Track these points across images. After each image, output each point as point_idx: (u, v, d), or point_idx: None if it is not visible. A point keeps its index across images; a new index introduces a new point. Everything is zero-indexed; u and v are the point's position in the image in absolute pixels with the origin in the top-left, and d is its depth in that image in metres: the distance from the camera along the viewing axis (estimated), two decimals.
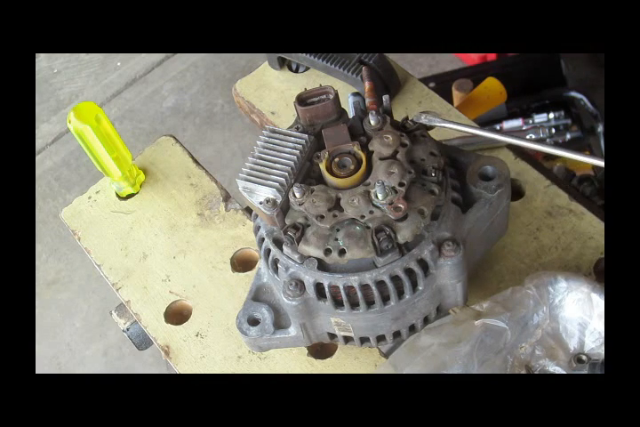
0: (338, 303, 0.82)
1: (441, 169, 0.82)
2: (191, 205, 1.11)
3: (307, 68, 1.21)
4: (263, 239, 0.85)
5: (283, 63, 1.22)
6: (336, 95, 0.86)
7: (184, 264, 1.06)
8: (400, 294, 0.81)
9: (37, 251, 2.41)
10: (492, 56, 2.19)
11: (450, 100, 1.43)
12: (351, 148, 0.82)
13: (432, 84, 1.85)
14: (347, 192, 0.80)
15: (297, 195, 0.79)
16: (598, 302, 0.86)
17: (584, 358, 0.86)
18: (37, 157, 2.63)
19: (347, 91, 1.09)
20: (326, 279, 0.80)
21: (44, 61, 2.86)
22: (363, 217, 0.78)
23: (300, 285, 0.81)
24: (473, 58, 2.32)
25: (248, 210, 1.08)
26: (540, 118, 1.84)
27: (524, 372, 0.86)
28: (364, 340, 0.89)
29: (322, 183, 0.82)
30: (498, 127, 1.81)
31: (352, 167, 0.81)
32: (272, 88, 1.21)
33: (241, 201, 1.04)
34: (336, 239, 0.78)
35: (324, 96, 0.86)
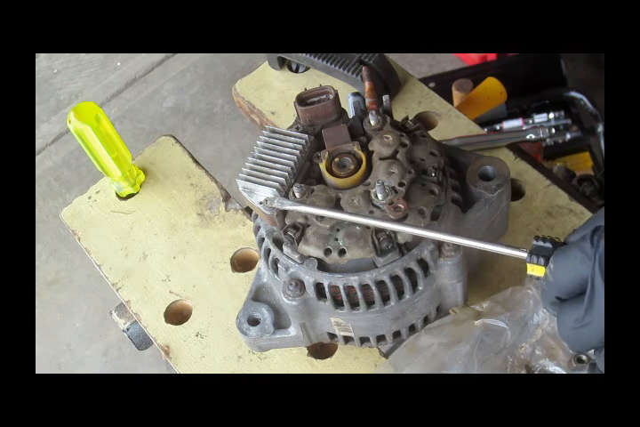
0: (338, 303, 0.82)
1: (441, 169, 0.82)
2: (191, 205, 1.11)
3: (307, 68, 1.21)
4: (263, 239, 0.85)
5: (283, 63, 1.22)
6: (336, 95, 0.86)
7: (184, 264, 1.06)
8: (400, 294, 0.82)
9: (37, 251, 2.41)
10: (491, 56, 2.19)
11: (450, 100, 1.43)
12: (351, 148, 0.82)
13: (432, 84, 1.85)
14: (347, 192, 0.80)
15: (297, 195, 0.79)
16: None
17: (584, 358, 0.86)
18: (37, 157, 2.63)
19: (347, 91, 1.09)
20: (326, 279, 0.80)
21: (43, 61, 2.86)
22: None
23: (300, 285, 0.81)
24: (473, 58, 2.32)
25: (248, 210, 1.08)
26: (539, 118, 1.84)
27: (524, 372, 0.86)
28: (364, 340, 0.89)
29: (322, 183, 0.82)
30: (498, 127, 1.82)
31: (352, 167, 0.81)
32: (272, 88, 1.21)
33: (241, 201, 1.04)
34: (336, 239, 0.78)
35: (324, 96, 0.86)
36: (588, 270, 0.62)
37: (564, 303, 0.66)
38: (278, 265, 0.84)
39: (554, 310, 0.69)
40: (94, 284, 2.31)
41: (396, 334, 0.88)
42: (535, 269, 0.69)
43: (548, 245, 0.68)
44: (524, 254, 0.69)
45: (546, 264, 0.68)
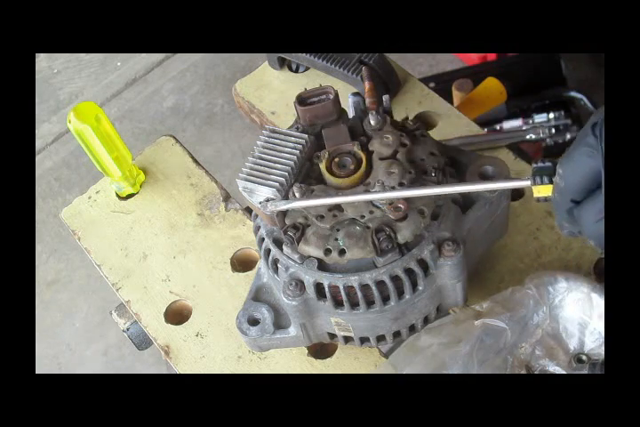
0: (338, 303, 0.82)
1: (441, 169, 0.82)
2: (191, 205, 1.11)
3: (307, 68, 1.21)
4: (263, 239, 0.85)
5: (283, 63, 1.22)
6: (336, 95, 0.86)
7: (184, 264, 1.06)
8: (400, 294, 0.82)
9: (37, 251, 2.41)
10: (492, 56, 2.19)
11: (450, 100, 1.43)
12: (351, 148, 0.82)
13: (432, 84, 1.85)
14: (347, 192, 0.80)
15: (297, 195, 0.79)
16: (598, 301, 0.86)
17: (584, 358, 0.86)
18: (37, 157, 2.63)
19: (347, 91, 1.08)
20: (326, 279, 0.80)
21: (43, 61, 2.85)
22: (363, 217, 0.78)
23: (300, 285, 0.81)
24: (473, 58, 2.32)
25: (248, 210, 1.08)
26: (539, 118, 1.83)
27: (524, 372, 0.86)
28: (363, 340, 0.89)
29: (322, 183, 0.82)
30: (498, 127, 1.81)
31: (352, 167, 0.81)
32: (272, 88, 1.21)
33: (241, 201, 1.04)
34: (336, 239, 0.78)
35: (324, 96, 0.86)
36: (598, 162, 0.62)
37: (582, 203, 0.66)
38: (278, 265, 0.84)
39: (571, 218, 0.68)
40: (94, 284, 2.31)
41: (396, 334, 0.88)
42: (541, 191, 0.69)
43: (548, 164, 0.69)
44: (527, 182, 0.70)
45: (551, 182, 0.68)
